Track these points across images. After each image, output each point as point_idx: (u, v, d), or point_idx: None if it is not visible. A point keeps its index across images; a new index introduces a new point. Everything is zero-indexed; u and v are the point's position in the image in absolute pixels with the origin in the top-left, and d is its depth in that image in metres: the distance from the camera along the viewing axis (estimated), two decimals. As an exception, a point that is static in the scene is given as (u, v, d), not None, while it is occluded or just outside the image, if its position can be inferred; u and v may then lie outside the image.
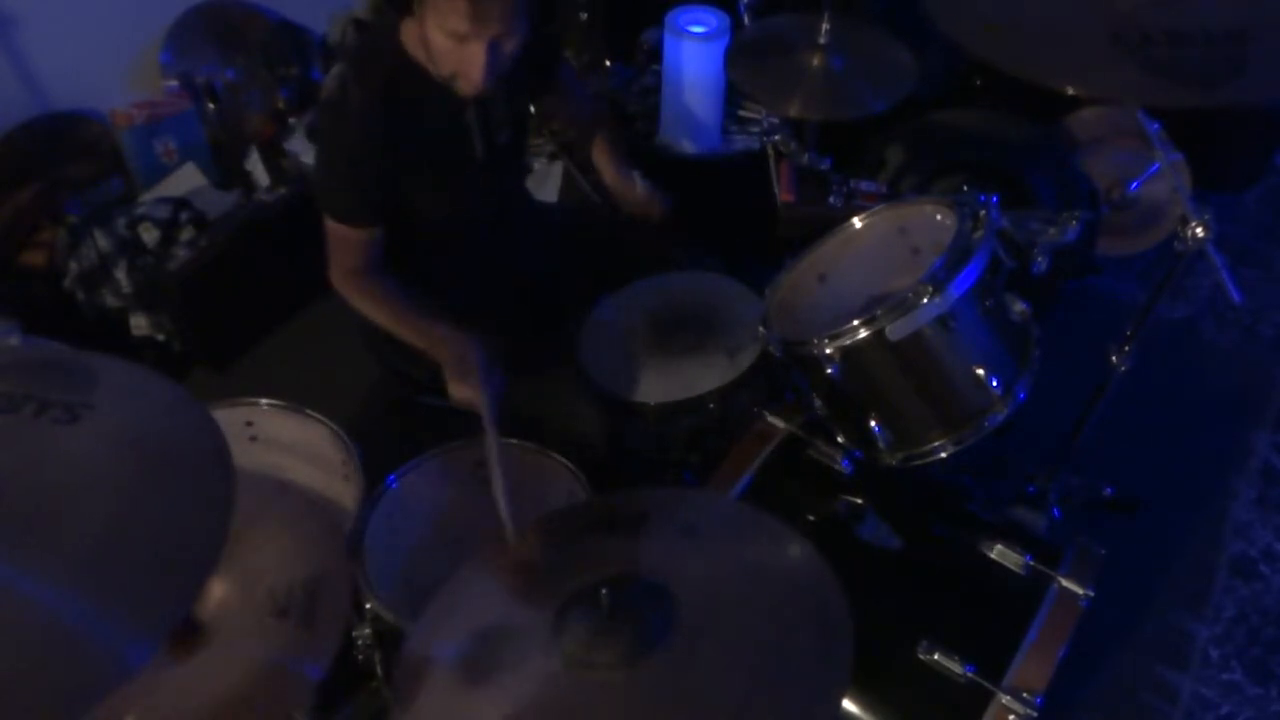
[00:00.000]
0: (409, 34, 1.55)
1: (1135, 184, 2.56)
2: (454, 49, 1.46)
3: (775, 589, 1.14)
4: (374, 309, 1.66)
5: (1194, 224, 1.42)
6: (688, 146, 2.53)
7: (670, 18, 2.43)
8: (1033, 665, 1.30)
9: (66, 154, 2.50)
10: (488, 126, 1.68)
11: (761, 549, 1.22)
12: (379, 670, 1.52)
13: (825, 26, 1.85)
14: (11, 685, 0.76)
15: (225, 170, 2.68)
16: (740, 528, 1.28)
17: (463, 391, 1.53)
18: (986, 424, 1.48)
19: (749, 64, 1.93)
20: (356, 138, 1.56)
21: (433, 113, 1.59)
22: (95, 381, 0.96)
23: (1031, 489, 1.94)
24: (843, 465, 1.57)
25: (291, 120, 2.73)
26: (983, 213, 1.45)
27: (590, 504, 1.50)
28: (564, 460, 1.61)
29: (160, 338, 2.42)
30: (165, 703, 1.09)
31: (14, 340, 2.13)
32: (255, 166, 2.65)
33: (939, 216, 1.56)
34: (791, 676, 1.04)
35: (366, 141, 1.55)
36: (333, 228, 1.62)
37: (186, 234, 2.41)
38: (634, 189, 1.91)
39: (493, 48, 1.45)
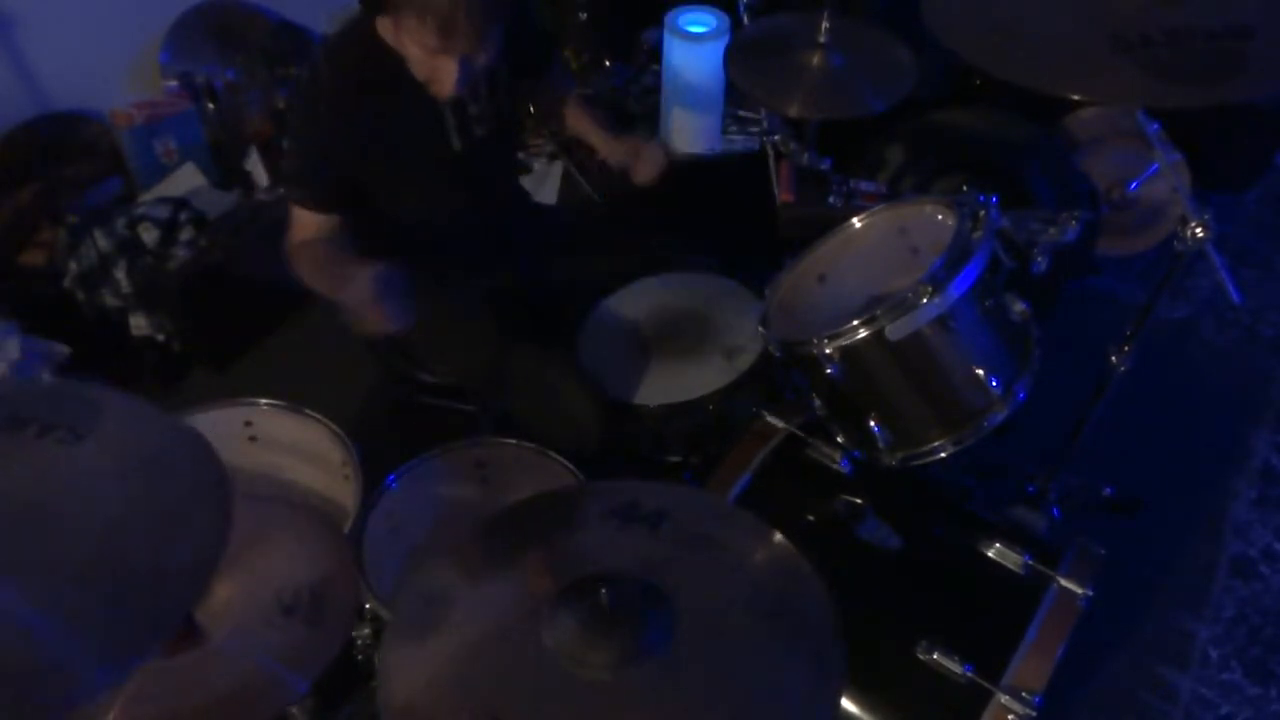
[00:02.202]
0: (384, 25, 1.55)
1: (1135, 184, 2.56)
2: (426, 60, 1.48)
3: (775, 605, 1.13)
4: (317, 270, 1.60)
5: (1194, 224, 1.42)
6: (688, 146, 2.53)
7: (670, 18, 2.43)
8: (1032, 665, 1.30)
9: (66, 154, 2.50)
10: (464, 120, 1.68)
11: (768, 566, 1.21)
12: (378, 670, 1.51)
13: (825, 26, 1.85)
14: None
15: (225, 170, 2.68)
16: (754, 542, 1.25)
17: (358, 315, 1.47)
18: (986, 424, 1.48)
19: (749, 64, 1.93)
20: (327, 120, 1.56)
21: (407, 102, 1.59)
22: (101, 413, 0.97)
23: (1031, 489, 1.94)
24: (842, 465, 1.57)
25: (291, 120, 2.73)
26: (982, 213, 1.45)
27: (615, 490, 1.44)
28: (564, 461, 1.61)
29: (160, 338, 2.42)
30: (163, 700, 1.09)
31: (13, 340, 2.13)
32: (255, 166, 2.65)
33: (939, 216, 1.56)
34: (782, 697, 1.03)
35: (336, 123, 1.55)
36: (295, 210, 1.62)
37: (186, 234, 2.41)
38: (624, 142, 1.87)
39: (464, 62, 1.47)
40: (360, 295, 1.47)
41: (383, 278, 1.48)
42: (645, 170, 1.82)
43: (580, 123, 1.93)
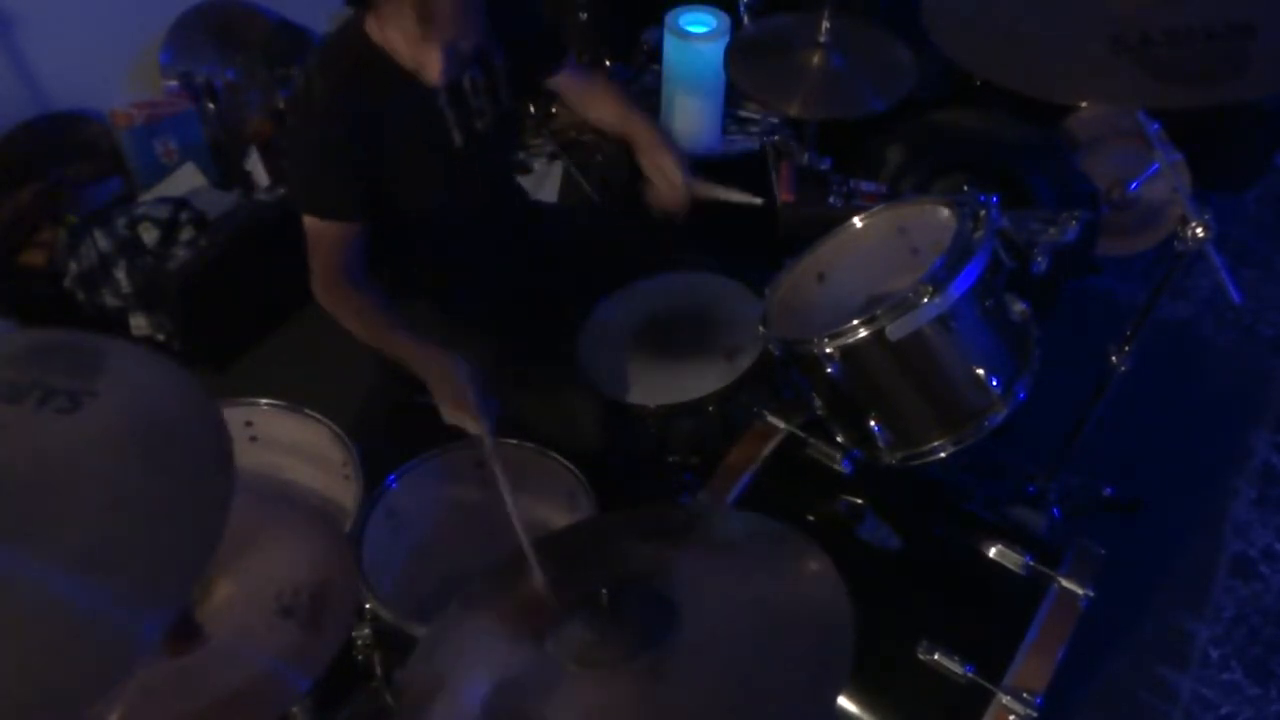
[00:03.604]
0: (371, 24, 1.55)
1: (1135, 184, 2.55)
2: (411, 49, 1.48)
3: (786, 619, 1.13)
4: (359, 324, 1.59)
5: (1194, 224, 1.42)
6: (688, 146, 2.53)
7: (670, 18, 2.43)
8: (1032, 665, 1.30)
9: (66, 154, 2.50)
10: (464, 113, 1.67)
11: (788, 579, 1.20)
12: (378, 670, 1.52)
13: (825, 25, 1.85)
14: (29, 671, 0.76)
15: (225, 170, 2.68)
16: (777, 555, 1.24)
17: (455, 415, 1.50)
18: (986, 424, 1.48)
19: (749, 64, 1.93)
20: (324, 129, 1.56)
21: (404, 100, 1.59)
22: (102, 366, 0.97)
23: (1031, 489, 1.94)
24: (842, 465, 1.57)
25: (291, 120, 2.73)
26: (983, 213, 1.45)
27: (641, 512, 1.42)
28: (564, 461, 1.61)
29: (160, 338, 2.42)
30: (161, 701, 1.09)
31: (14, 340, 2.13)
32: (255, 166, 2.65)
33: (939, 216, 1.56)
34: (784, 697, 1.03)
35: (334, 132, 1.55)
36: (311, 226, 1.59)
37: (186, 234, 2.41)
38: (660, 151, 1.79)
39: (449, 49, 1.47)
40: (451, 391, 1.49)
41: (466, 372, 1.50)
42: (663, 198, 1.79)
43: (612, 110, 1.84)
